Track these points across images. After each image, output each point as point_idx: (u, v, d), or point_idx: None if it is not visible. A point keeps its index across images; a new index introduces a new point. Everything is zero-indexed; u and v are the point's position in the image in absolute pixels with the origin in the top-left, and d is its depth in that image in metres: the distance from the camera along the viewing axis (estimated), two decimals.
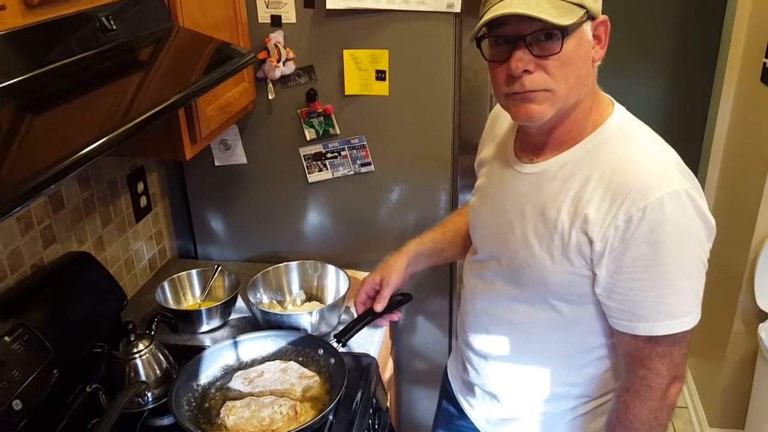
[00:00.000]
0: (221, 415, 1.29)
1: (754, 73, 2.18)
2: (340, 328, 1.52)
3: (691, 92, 3.14)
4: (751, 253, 2.16)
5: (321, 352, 1.47)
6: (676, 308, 1.02)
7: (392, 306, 1.49)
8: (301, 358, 1.48)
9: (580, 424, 1.24)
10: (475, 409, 1.36)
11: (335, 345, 1.46)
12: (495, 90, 1.07)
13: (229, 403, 1.32)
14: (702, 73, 2.86)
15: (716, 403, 2.45)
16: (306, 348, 1.49)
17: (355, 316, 1.50)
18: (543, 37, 0.96)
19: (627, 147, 1.04)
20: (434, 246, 1.46)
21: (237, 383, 1.39)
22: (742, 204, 2.24)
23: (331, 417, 1.34)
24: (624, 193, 0.99)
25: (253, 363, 1.47)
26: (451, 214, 1.53)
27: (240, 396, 1.35)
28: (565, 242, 1.05)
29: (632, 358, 1.08)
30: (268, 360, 1.47)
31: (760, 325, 2.17)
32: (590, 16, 0.99)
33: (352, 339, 1.61)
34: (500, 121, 1.27)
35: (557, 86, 1.00)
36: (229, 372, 1.45)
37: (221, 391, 1.39)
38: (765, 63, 2.09)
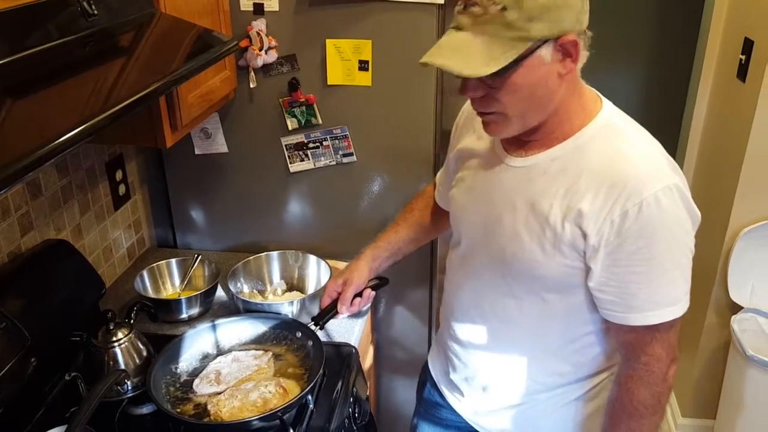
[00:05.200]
0: (212, 412, 1.28)
1: (731, 69, 2.21)
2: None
3: (668, 87, 3.17)
4: (725, 246, 2.20)
5: (299, 335, 1.47)
6: (669, 297, 1.06)
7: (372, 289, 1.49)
8: (279, 341, 1.49)
9: (574, 409, 1.25)
10: (462, 402, 1.36)
11: (312, 327, 1.46)
12: None
13: (213, 399, 1.31)
14: (679, 68, 2.89)
15: (689, 394, 2.50)
16: (283, 331, 1.50)
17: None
18: None
19: (618, 142, 1.05)
20: (389, 247, 1.48)
21: (204, 389, 1.35)
22: (717, 197, 2.28)
23: (311, 406, 1.35)
24: (619, 188, 1.00)
25: (231, 349, 1.47)
26: (403, 211, 1.53)
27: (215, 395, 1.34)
28: (558, 235, 1.06)
29: (632, 347, 1.11)
30: (234, 350, 1.47)
31: (733, 317, 2.21)
32: (546, 40, 0.98)
33: (333, 328, 1.62)
34: None
35: (507, 110, 1.03)
36: (206, 358, 1.45)
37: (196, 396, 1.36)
38: (741, 59, 2.12)
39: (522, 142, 1.13)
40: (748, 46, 2.08)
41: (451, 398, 1.39)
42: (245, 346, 1.49)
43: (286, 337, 1.49)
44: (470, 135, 1.27)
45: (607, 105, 1.11)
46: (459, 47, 0.98)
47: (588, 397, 1.24)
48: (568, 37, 0.98)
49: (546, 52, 0.99)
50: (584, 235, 1.04)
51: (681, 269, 1.05)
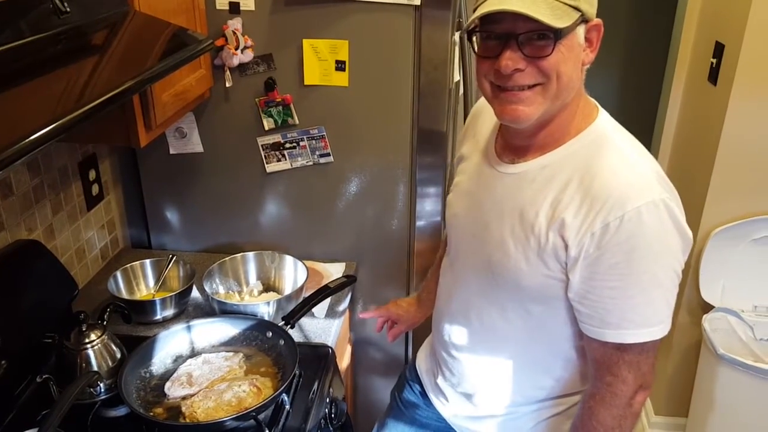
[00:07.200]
0: (187, 413, 1.27)
1: (702, 72, 2.25)
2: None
3: (641, 90, 3.22)
4: (697, 246, 2.24)
5: (269, 334, 1.47)
6: (647, 318, 1.02)
7: (339, 287, 1.64)
8: (249, 342, 1.48)
9: (552, 425, 1.25)
10: (447, 407, 1.36)
11: (284, 326, 1.46)
12: (481, 83, 1.05)
13: (186, 401, 1.30)
14: (652, 72, 2.93)
15: (662, 392, 2.53)
16: (254, 332, 1.49)
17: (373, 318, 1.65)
18: (536, 37, 0.96)
19: (608, 154, 1.04)
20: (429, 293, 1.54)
21: (176, 392, 1.34)
22: (689, 199, 2.29)
23: (287, 406, 1.34)
24: (602, 200, 0.99)
25: (203, 351, 1.46)
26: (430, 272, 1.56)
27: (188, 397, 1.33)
28: (542, 244, 1.05)
29: (600, 365, 1.09)
30: (207, 352, 1.46)
31: (704, 316, 2.25)
32: (584, 20, 0.99)
33: (310, 329, 1.62)
34: (482, 119, 1.25)
35: (549, 82, 0.99)
36: (179, 360, 1.44)
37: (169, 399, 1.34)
38: (712, 63, 2.16)
39: (517, 148, 1.12)
40: (719, 49, 2.12)
41: (436, 402, 1.39)
42: (216, 348, 1.48)
43: (256, 337, 1.48)
44: (469, 140, 1.27)
45: (603, 115, 1.10)
46: (523, 1, 0.94)
47: (568, 414, 1.23)
48: (594, 22, 1.01)
49: (580, 32, 0.99)
50: (566, 246, 1.03)
51: (661, 290, 1.02)
